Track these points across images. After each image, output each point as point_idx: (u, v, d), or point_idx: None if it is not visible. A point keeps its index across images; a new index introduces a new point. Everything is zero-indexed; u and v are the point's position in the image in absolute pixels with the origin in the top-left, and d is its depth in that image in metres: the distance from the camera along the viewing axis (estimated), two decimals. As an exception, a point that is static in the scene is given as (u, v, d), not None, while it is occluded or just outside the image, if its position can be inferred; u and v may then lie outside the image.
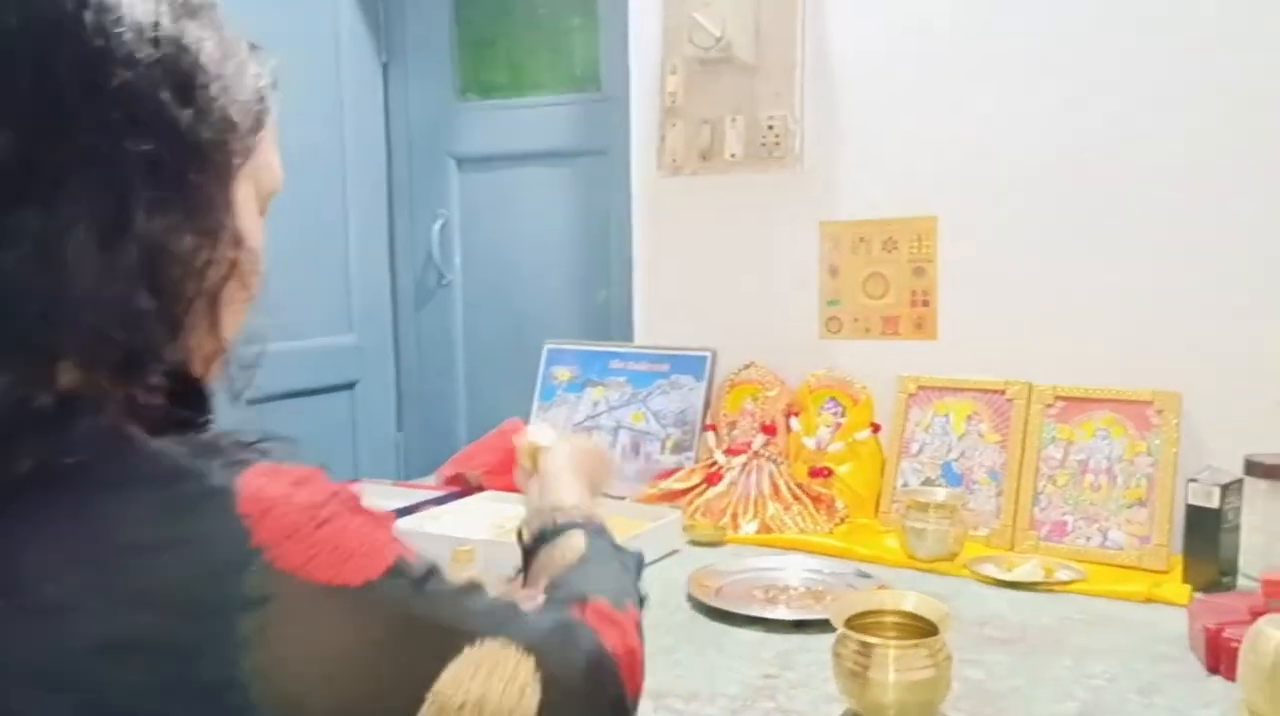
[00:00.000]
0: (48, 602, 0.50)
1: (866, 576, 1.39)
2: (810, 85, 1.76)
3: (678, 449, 1.86)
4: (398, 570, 0.57)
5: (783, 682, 1.09)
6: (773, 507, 1.65)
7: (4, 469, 0.51)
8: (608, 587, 0.75)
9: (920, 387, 1.72)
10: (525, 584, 0.85)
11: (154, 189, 0.55)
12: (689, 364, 1.90)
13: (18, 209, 0.52)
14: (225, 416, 0.68)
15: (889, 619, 1.02)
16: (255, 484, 0.54)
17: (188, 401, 0.61)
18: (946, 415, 1.68)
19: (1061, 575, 1.40)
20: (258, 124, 0.64)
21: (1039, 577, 1.39)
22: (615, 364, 1.97)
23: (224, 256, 0.60)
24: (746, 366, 1.83)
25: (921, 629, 1.00)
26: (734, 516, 1.65)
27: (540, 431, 1.11)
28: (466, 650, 0.57)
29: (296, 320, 2.38)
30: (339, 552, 0.54)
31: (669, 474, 1.79)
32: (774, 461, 1.71)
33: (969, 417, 1.66)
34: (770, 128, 1.75)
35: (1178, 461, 1.48)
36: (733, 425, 1.80)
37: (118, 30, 0.54)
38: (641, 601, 0.80)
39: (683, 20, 1.75)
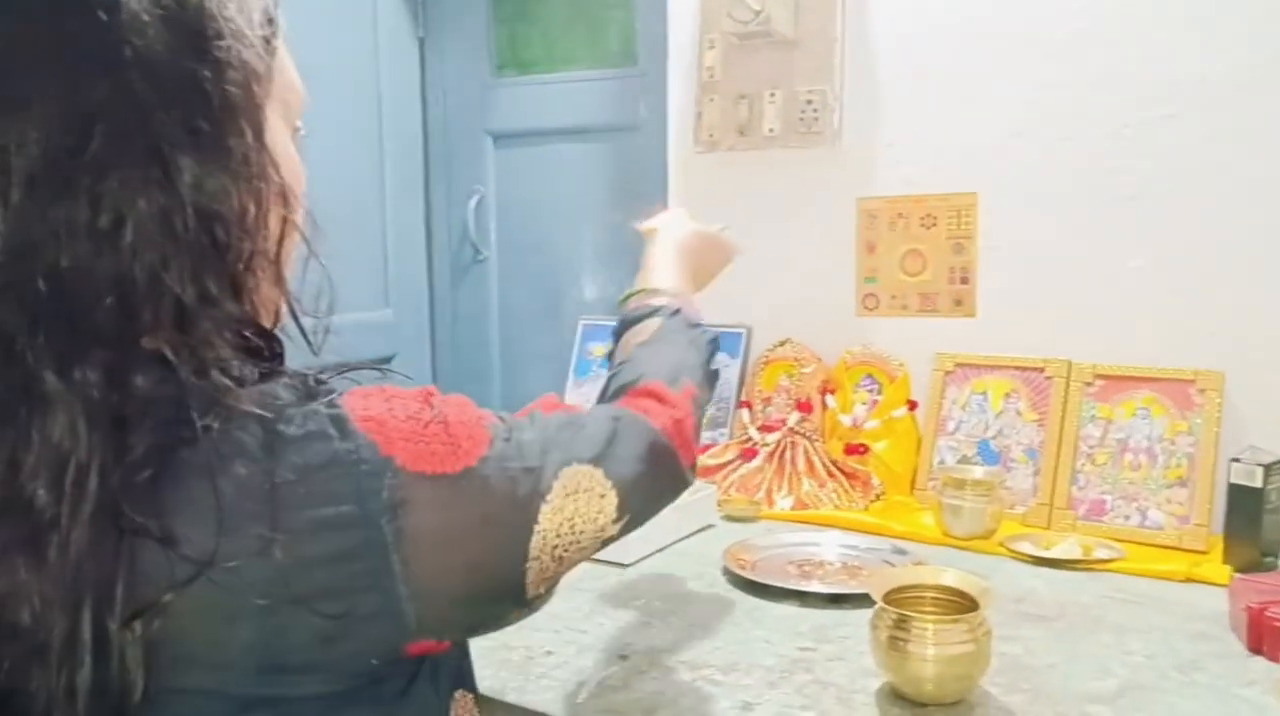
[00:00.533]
0: (214, 555, 0.52)
1: (903, 552, 1.39)
2: (850, 60, 1.75)
3: (712, 425, 1.86)
4: (494, 438, 0.63)
5: (820, 656, 1.09)
6: (807, 484, 1.65)
7: (129, 450, 0.52)
8: (665, 367, 0.84)
9: (958, 365, 1.71)
10: (611, 366, 0.94)
11: (194, 156, 0.55)
12: (724, 340, 1.87)
13: (64, 203, 0.52)
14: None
15: (928, 594, 1.02)
16: (358, 406, 0.58)
17: (259, 352, 0.63)
18: (984, 393, 1.67)
19: (1100, 553, 1.39)
20: (271, 49, 0.63)
21: (1077, 556, 1.38)
22: (650, 340, 1.97)
23: (274, 208, 0.61)
24: (781, 343, 1.83)
25: (960, 604, 1.01)
26: (769, 492, 1.65)
27: (662, 217, 1.15)
28: (555, 484, 0.65)
29: (335, 295, 2.40)
30: (450, 444, 0.60)
31: (703, 450, 1.79)
32: (809, 438, 1.71)
33: (1007, 395, 1.65)
34: (809, 103, 1.74)
35: (1219, 441, 1.47)
36: (767, 401, 1.80)
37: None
38: (712, 377, 0.93)
39: (723, -6, 1.74)
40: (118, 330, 0.53)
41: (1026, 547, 1.42)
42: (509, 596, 0.65)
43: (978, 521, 1.46)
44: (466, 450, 0.61)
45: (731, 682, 1.03)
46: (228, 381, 0.55)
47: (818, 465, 1.68)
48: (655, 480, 0.76)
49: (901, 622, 0.97)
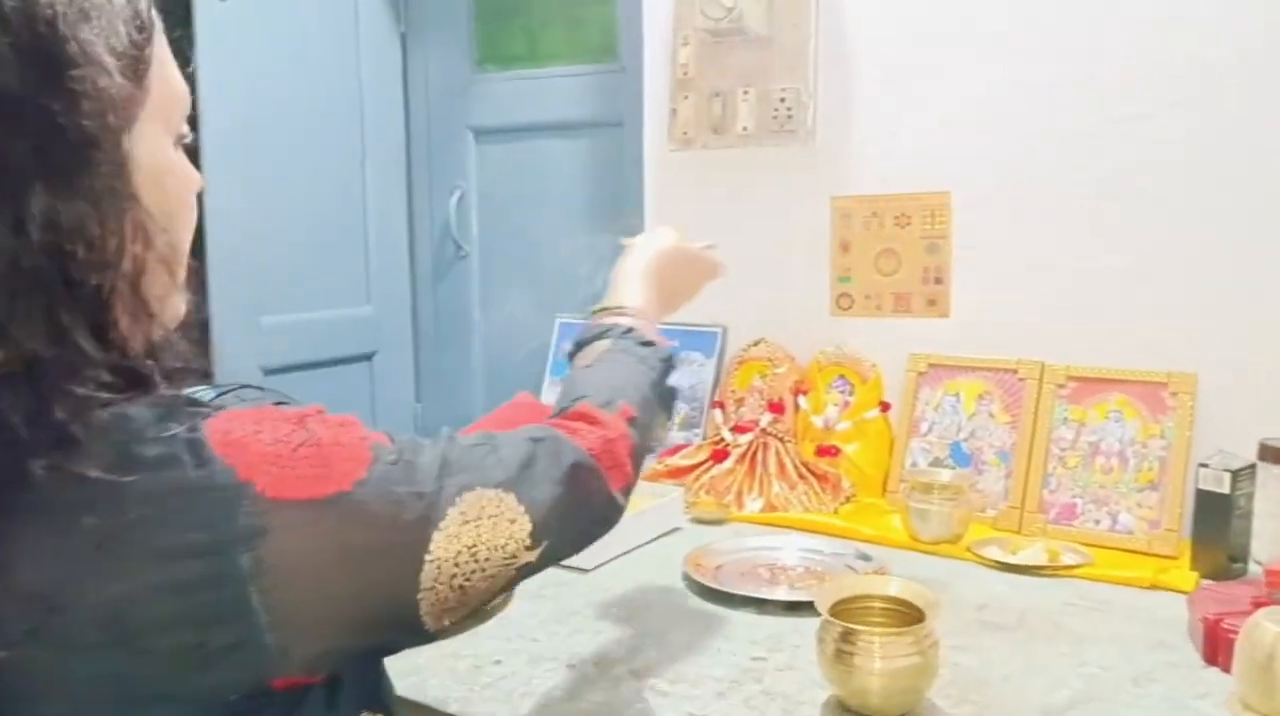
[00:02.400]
0: (52, 592, 0.51)
1: (867, 558, 1.37)
2: (824, 57, 1.73)
3: (686, 425, 1.85)
4: (376, 460, 0.60)
5: (770, 666, 1.08)
6: (778, 486, 1.64)
7: None
8: (603, 388, 0.82)
9: (931, 366, 1.69)
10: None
11: (47, 192, 0.53)
12: (699, 340, 1.89)
13: None
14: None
15: (876, 604, 1.01)
16: (221, 428, 0.56)
17: (134, 385, 0.60)
18: (957, 394, 1.66)
19: (1066, 559, 1.38)
20: (142, 62, 0.60)
21: (1042, 561, 1.37)
22: (626, 339, 1.96)
23: (134, 237, 0.58)
24: (755, 343, 1.82)
25: (908, 615, 0.99)
26: (739, 494, 1.64)
27: (645, 235, 1.11)
28: (450, 511, 0.62)
29: (315, 291, 2.40)
30: (321, 467, 0.57)
31: (676, 450, 1.78)
32: (781, 439, 1.70)
33: (980, 397, 1.64)
34: (782, 100, 1.72)
35: (1191, 444, 1.45)
36: (740, 402, 1.79)
37: None
38: (665, 396, 0.89)
39: (696, -10, 1.72)
40: None
41: (993, 552, 1.41)
42: (401, 628, 0.62)
43: (944, 525, 1.44)
44: (341, 473, 0.58)
45: (679, 693, 1.02)
46: (76, 406, 0.53)
47: (789, 467, 1.66)
48: (577, 504, 0.72)
49: (847, 635, 0.96)
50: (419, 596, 0.61)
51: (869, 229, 1.75)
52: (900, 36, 1.69)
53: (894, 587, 1.01)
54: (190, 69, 0.65)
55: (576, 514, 0.72)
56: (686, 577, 1.31)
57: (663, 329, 1.89)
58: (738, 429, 1.74)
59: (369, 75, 2.46)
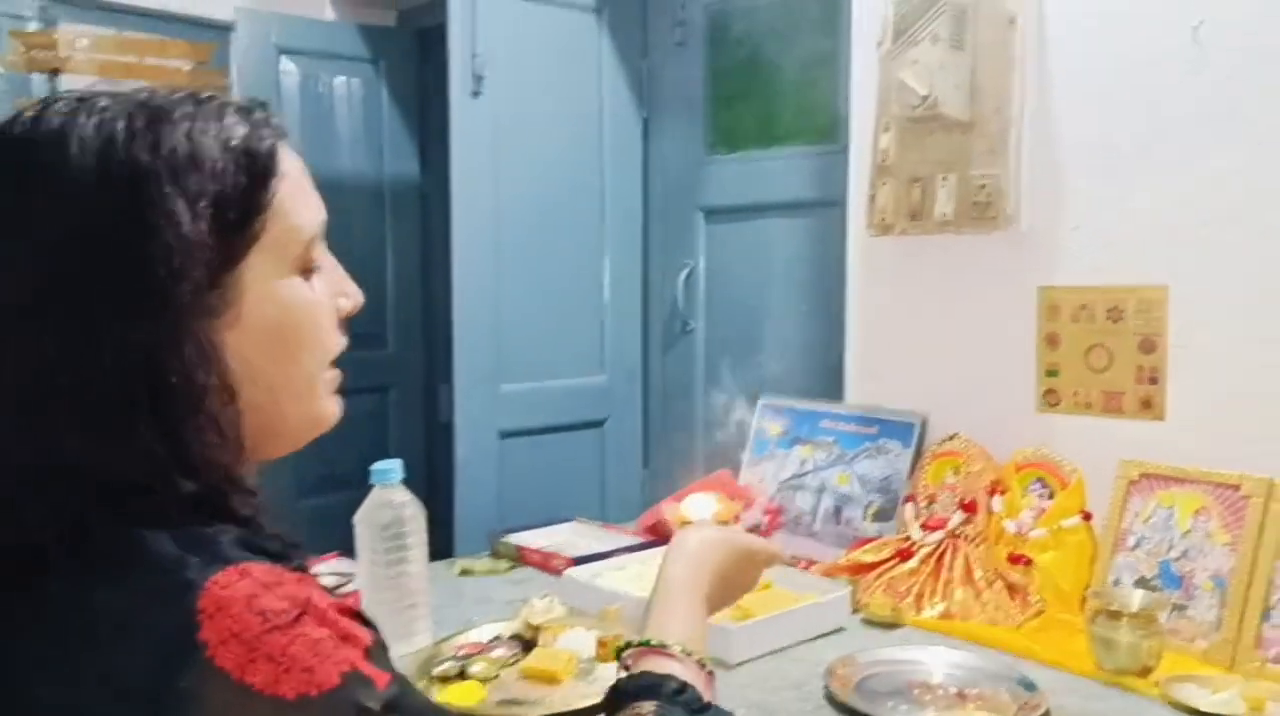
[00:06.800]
0: (11, 679, 0.57)
1: (1030, 686, 1.27)
2: (1028, 141, 1.64)
3: (880, 517, 1.80)
4: (343, 692, 0.55)
5: (876, 796, 1.03)
6: (961, 592, 1.55)
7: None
8: None
9: (1143, 474, 1.54)
10: None
11: (115, 313, 0.58)
12: (898, 429, 1.83)
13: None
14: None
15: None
16: (225, 581, 0.55)
17: (214, 504, 0.62)
18: (1171, 507, 1.50)
19: (1273, 709, 1.21)
20: (250, 210, 0.63)
21: (1239, 710, 1.21)
22: (825, 423, 1.93)
23: (198, 379, 0.60)
24: (950, 437, 1.73)
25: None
26: (919, 597, 1.57)
27: (696, 505, 1.01)
28: None
29: (553, 361, 2.55)
30: (282, 662, 0.54)
31: (864, 543, 1.73)
32: (971, 542, 1.61)
33: (1196, 512, 1.47)
34: (982, 187, 1.65)
35: None
36: (932, 498, 1.71)
37: (63, 172, 0.59)
38: None
39: (895, 78, 1.69)
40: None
41: (1189, 692, 1.26)
42: None
43: (1132, 657, 1.32)
44: (295, 680, 0.54)
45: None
46: (106, 519, 0.57)
47: (976, 573, 1.57)
48: None
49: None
50: None
51: (1078, 322, 1.64)
52: (1113, 115, 1.57)
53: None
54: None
55: None
56: (826, 688, 1.28)
57: (864, 416, 1.86)
58: (927, 527, 1.67)
59: (611, 158, 2.60)
